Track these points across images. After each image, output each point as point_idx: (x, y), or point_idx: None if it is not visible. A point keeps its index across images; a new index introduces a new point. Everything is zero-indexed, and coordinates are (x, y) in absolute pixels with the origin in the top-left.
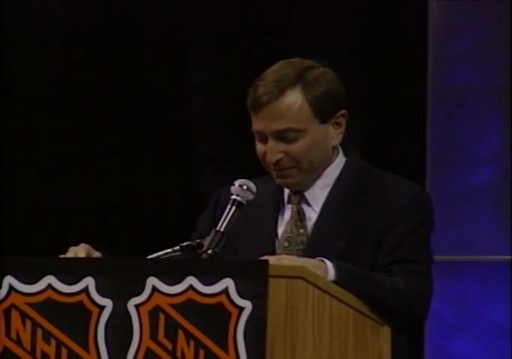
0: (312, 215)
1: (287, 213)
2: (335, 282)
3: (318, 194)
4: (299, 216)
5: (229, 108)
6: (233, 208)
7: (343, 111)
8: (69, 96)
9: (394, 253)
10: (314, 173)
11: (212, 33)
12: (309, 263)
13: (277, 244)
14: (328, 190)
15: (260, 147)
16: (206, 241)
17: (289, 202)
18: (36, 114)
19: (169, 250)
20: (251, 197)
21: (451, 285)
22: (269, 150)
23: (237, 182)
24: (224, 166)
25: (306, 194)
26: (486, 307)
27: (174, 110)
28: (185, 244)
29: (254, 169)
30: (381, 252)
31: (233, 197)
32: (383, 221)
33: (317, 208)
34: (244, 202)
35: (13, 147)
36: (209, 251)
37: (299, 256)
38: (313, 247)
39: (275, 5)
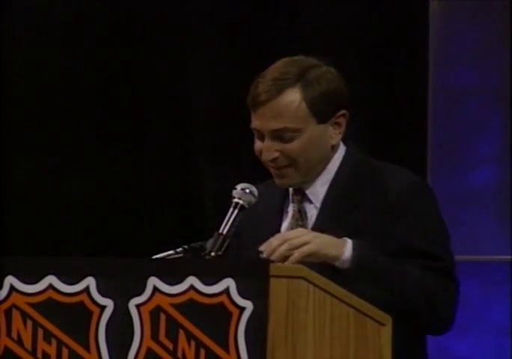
0: (313, 211)
1: (290, 212)
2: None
3: (319, 191)
4: (300, 215)
5: (229, 108)
6: (236, 211)
7: (343, 112)
8: (69, 96)
9: (406, 245)
10: (312, 171)
11: (212, 33)
12: (324, 239)
13: None
14: (327, 186)
15: (257, 144)
16: (209, 244)
17: (292, 201)
18: (36, 113)
19: (171, 252)
20: (253, 200)
21: None
22: (265, 149)
23: (239, 186)
24: (224, 166)
25: (307, 192)
26: (486, 307)
27: (174, 110)
28: (187, 246)
29: (255, 169)
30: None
31: (236, 200)
32: (382, 220)
33: (318, 204)
34: (246, 205)
35: (14, 147)
36: (212, 253)
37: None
38: None
39: (277, 5)
